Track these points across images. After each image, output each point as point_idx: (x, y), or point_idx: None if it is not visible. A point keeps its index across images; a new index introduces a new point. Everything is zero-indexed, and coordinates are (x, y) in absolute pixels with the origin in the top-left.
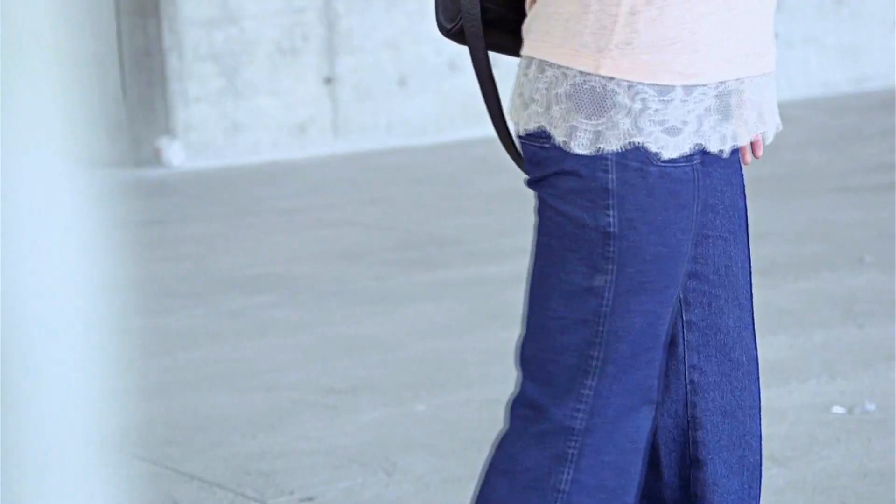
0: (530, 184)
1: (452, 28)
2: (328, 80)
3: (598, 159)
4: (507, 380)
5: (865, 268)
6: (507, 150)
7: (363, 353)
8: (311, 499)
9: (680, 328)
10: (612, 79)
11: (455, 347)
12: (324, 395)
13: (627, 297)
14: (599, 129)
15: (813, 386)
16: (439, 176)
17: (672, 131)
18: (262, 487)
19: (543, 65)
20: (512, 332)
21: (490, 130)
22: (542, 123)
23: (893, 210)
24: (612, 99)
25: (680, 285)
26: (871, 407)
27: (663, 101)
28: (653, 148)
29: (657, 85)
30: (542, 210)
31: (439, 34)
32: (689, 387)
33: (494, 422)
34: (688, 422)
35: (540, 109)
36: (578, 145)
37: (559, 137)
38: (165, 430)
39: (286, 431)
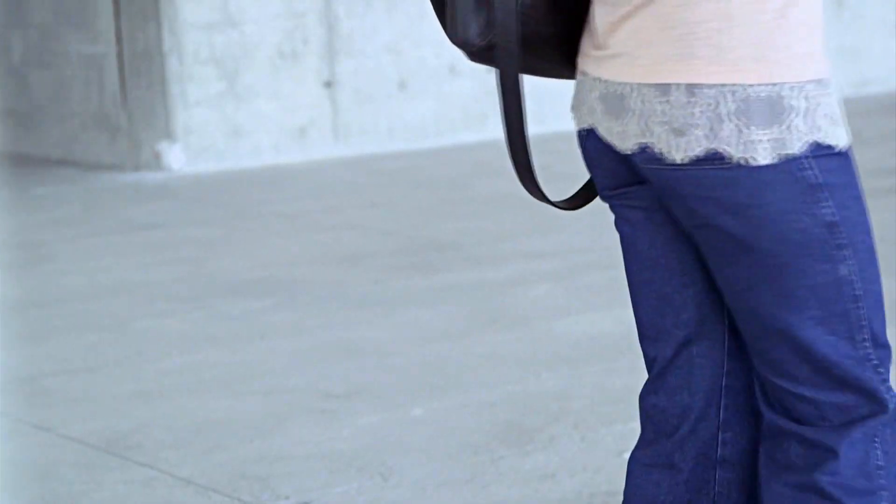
0: (699, 212)
1: (480, 44)
2: (328, 84)
3: (791, 163)
4: (502, 384)
5: None
6: (522, 178)
7: (361, 357)
8: (307, 503)
9: None
10: (781, 84)
11: (453, 352)
12: (321, 399)
13: (868, 271)
14: (780, 136)
15: None
16: (439, 179)
17: (836, 122)
18: (257, 492)
19: (692, 88)
20: (510, 335)
21: (490, 134)
22: (712, 146)
23: (893, 214)
24: (785, 104)
25: None
26: None
27: (826, 94)
28: (830, 142)
29: (816, 80)
30: (745, 233)
31: (440, 37)
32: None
33: (491, 426)
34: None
35: (703, 133)
36: (763, 157)
37: (737, 155)
38: (162, 433)
39: (283, 435)
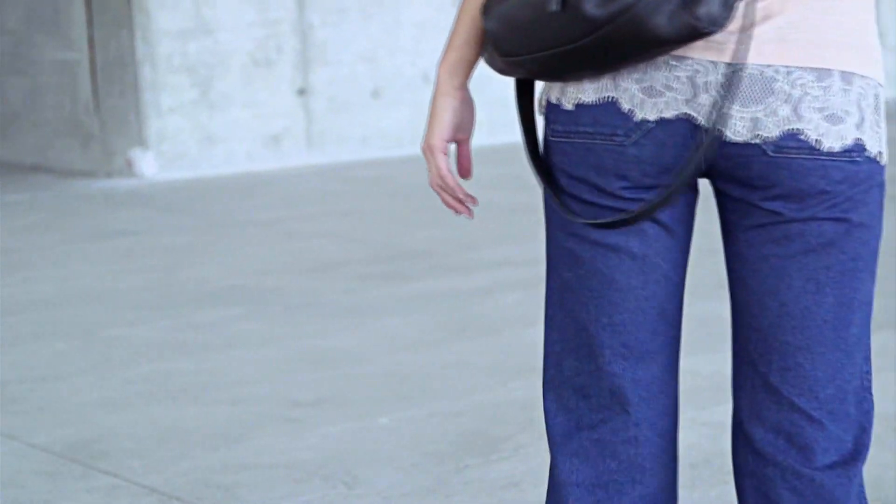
0: (825, 202)
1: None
2: (301, 92)
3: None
4: (470, 393)
5: None
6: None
7: (330, 366)
8: None
9: None
10: (878, 85)
11: (421, 360)
12: (288, 408)
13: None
14: (885, 136)
15: None
16: (413, 188)
17: None
18: (221, 500)
19: (848, 76)
20: (479, 344)
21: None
22: (860, 137)
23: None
24: (882, 104)
25: None
26: None
27: None
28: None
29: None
30: (847, 231)
31: (415, 46)
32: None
33: (457, 435)
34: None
35: (855, 122)
36: (886, 156)
37: (874, 149)
38: (128, 442)
39: (248, 445)
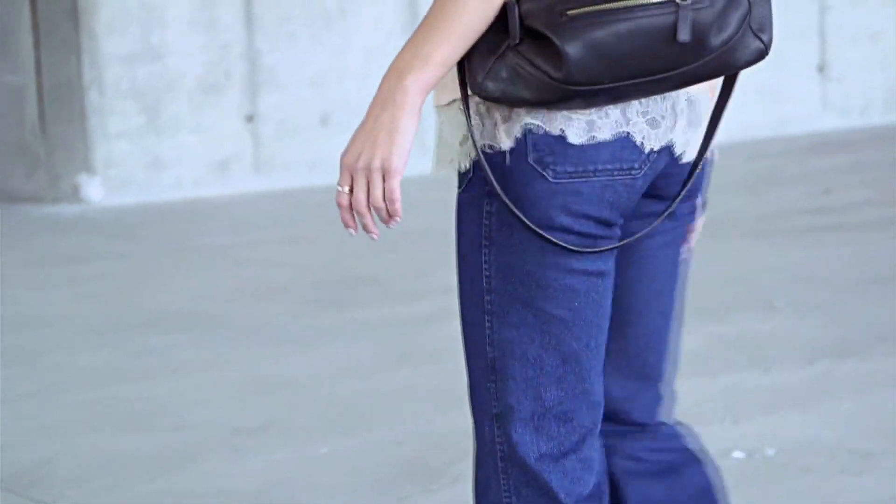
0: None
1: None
2: (249, 118)
3: None
4: (411, 421)
5: (775, 312)
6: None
7: (273, 393)
8: None
9: None
10: None
11: (363, 388)
12: (230, 435)
13: None
14: None
15: (716, 430)
16: None
17: None
18: None
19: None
20: (421, 371)
21: (413, 170)
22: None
23: (805, 254)
24: None
25: None
26: (770, 452)
27: None
28: None
29: None
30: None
31: (364, 71)
32: None
33: (398, 463)
34: None
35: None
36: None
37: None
38: (66, 470)
39: (190, 472)
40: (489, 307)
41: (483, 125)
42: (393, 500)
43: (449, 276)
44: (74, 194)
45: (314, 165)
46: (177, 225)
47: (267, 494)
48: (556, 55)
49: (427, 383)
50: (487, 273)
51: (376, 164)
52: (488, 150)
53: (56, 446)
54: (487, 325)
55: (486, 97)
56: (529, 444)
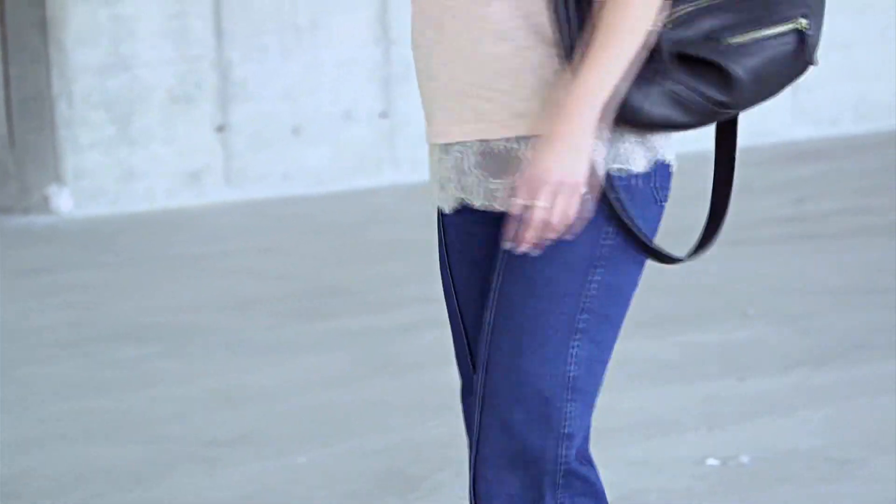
0: None
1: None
2: (220, 129)
3: None
4: (388, 432)
5: (749, 321)
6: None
7: (248, 404)
8: None
9: None
10: None
11: (340, 398)
12: (205, 447)
13: None
14: None
15: (691, 438)
16: (334, 225)
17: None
18: None
19: None
20: (398, 382)
21: (386, 180)
22: None
23: (780, 263)
24: None
25: (451, 297)
26: (745, 459)
27: None
28: None
29: None
30: None
31: (336, 83)
32: None
33: (375, 474)
34: None
35: None
36: None
37: None
38: (41, 482)
39: (164, 484)
40: (581, 325)
41: (612, 150)
42: None
43: (422, 287)
44: (45, 205)
45: (286, 176)
46: (149, 236)
47: None
48: (723, 80)
49: (404, 393)
50: (590, 293)
51: (573, 180)
52: (616, 174)
53: (30, 459)
54: (575, 343)
55: (645, 123)
56: (588, 453)
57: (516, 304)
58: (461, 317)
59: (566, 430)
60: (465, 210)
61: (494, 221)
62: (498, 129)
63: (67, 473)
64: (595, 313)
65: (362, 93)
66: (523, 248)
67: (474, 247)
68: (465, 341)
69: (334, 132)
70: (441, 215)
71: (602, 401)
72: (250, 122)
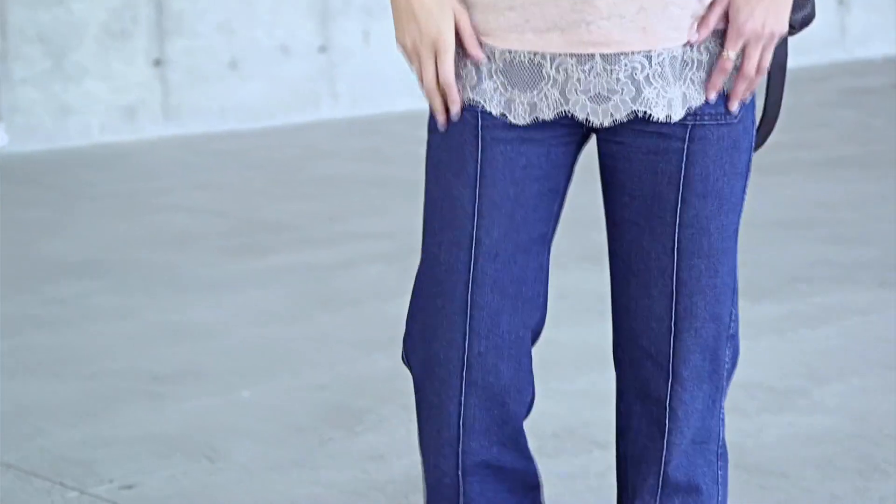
0: None
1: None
2: (157, 63)
3: None
4: (333, 366)
5: None
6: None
7: (190, 339)
8: (131, 487)
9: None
10: None
11: (282, 334)
12: (148, 382)
13: None
14: None
15: None
16: (271, 161)
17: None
18: (81, 476)
19: None
20: (341, 317)
21: (323, 115)
22: None
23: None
24: None
25: (462, 217)
26: None
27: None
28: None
29: None
30: None
31: (273, 17)
32: None
33: (320, 408)
34: None
35: None
36: None
37: None
38: None
39: (107, 419)
40: (736, 233)
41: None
42: (315, 444)
43: (364, 222)
44: None
45: (223, 111)
46: (85, 172)
47: (189, 439)
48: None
49: (347, 328)
50: (744, 198)
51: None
52: None
53: None
54: (735, 251)
55: (795, 27)
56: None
57: (709, 223)
58: (475, 241)
59: (731, 332)
60: (541, 126)
61: (573, 142)
62: (683, 36)
63: (10, 410)
64: (740, 217)
65: (300, 27)
66: (733, 105)
67: (525, 166)
68: (470, 268)
69: (272, 66)
70: (481, 132)
71: (544, 333)
72: (187, 57)
